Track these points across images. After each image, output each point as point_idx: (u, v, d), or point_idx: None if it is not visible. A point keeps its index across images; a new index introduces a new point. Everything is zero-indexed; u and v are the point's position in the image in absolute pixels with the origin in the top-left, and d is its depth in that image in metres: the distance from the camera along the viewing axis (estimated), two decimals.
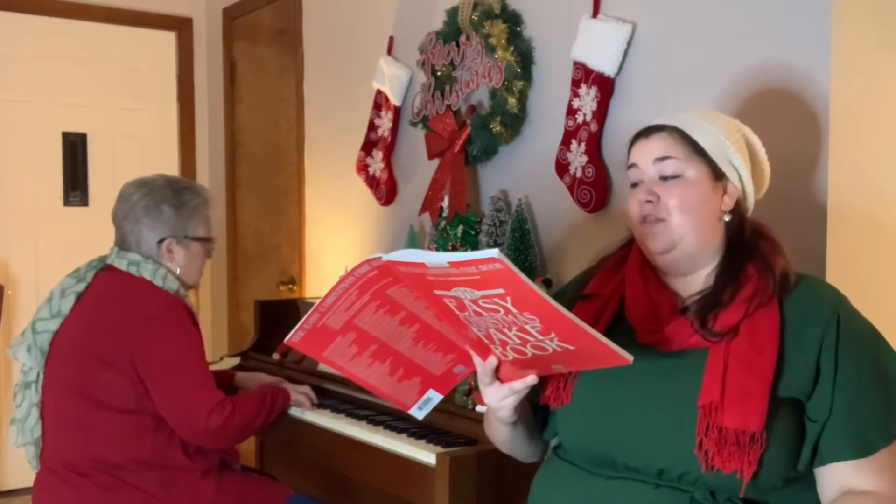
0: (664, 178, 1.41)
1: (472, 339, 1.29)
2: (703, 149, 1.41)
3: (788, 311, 1.34)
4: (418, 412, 1.47)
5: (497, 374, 1.33)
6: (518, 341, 1.22)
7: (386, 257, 1.21)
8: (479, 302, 1.16)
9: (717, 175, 1.42)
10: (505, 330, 1.20)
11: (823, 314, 1.33)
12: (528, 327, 1.17)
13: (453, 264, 1.11)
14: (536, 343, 1.20)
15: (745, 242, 1.42)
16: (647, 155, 1.43)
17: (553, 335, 1.17)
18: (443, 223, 2.69)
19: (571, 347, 1.19)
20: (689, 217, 1.39)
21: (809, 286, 1.38)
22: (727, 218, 1.43)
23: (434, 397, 1.46)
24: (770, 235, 1.44)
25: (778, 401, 1.29)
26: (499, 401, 1.36)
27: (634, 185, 1.46)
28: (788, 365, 1.31)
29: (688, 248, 1.40)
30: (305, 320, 1.31)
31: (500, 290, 1.12)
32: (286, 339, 1.33)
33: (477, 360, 1.33)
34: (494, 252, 1.07)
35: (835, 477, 1.31)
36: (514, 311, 1.14)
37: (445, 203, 2.69)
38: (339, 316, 1.30)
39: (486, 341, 1.26)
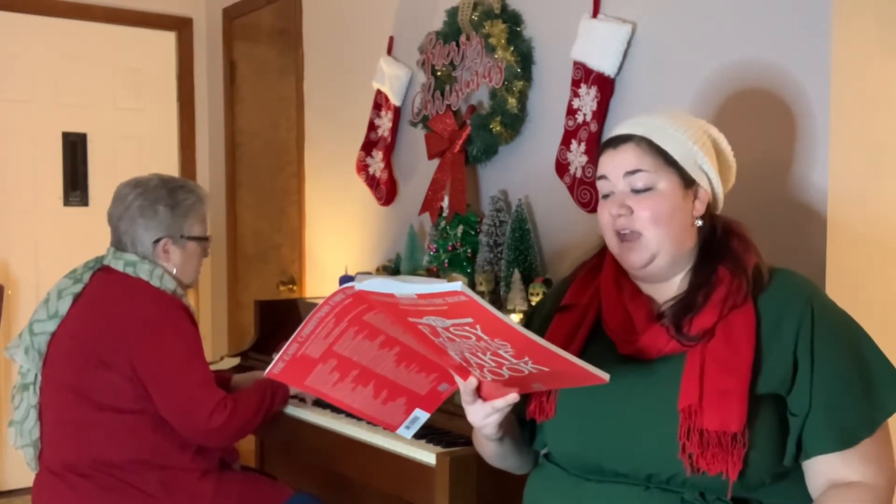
0: (635, 191, 1.41)
1: (450, 362, 1.29)
2: (672, 158, 1.41)
3: (763, 307, 1.34)
4: (406, 431, 1.47)
5: (479, 393, 1.33)
6: (494, 364, 1.22)
7: (358, 286, 1.21)
8: (451, 329, 1.16)
9: (688, 182, 1.42)
10: (480, 354, 1.21)
11: (797, 307, 1.33)
12: (501, 352, 1.18)
13: (420, 296, 1.12)
14: (512, 366, 1.21)
15: (716, 243, 1.42)
16: (617, 168, 1.42)
17: (527, 359, 1.18)
18: (443, 223, 2.69)
19: (546, 369, 1.20)
20: (662, 229, 1.39)
21: (783, 280, 1.39)
22: (699, 223, 1.43)
23: (421, 416, 1.46)
24: (741, 233, 1.44)
25: (758, 398, 1.29)
26: (482, 419, 1.36)
27: (605, 196, 1.45)
28: (766, 361, 1.31)
29: (665, 259, 1.41)
30: (284, 351, 1.30)
31: (469, 320, 1.13)
32: (266, 371, 1.33)
33: (458, 379, 1.33)
34: (458, 286, 1.08)
35: (821, 469, 1.31)
36: (486, 337, 1.15)
37: (445, 203, 2.69)
38: (319, 344, 1.30)
39: (464, 364, 1.27)
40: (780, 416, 1.31)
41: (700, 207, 1.43)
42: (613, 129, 1.49)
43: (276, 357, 1.31)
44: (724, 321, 1.33)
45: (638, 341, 1.37)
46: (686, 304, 1.37)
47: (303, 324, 1.28)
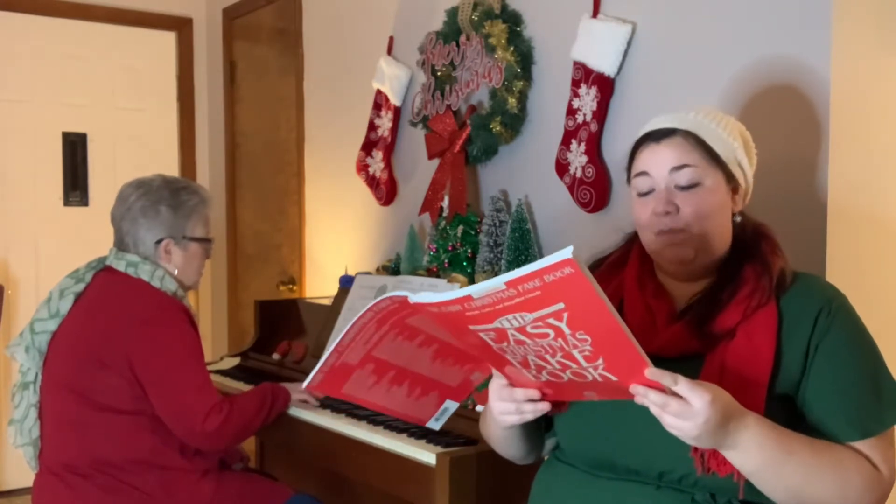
0: (680, 188, 1.37)
1: (497, 361, 1.26)
2: (717, 155, 1.38)
3: (785, 309, 1.33)
4: (435, 424, 1.45)
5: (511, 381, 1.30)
6: (558, 367, 1.18)
7: (414, 299, 1.16)
8: (528, 329, 1.10)
9: (730, 179, 1.40)
10: (548, 356, 1.16)
11: (817, 305, 1.32)
12: (574, 353, 1.13)
13: (510, 283, 1.04)
14: (577, 371, 1.17)
15: (746, 242, 1.41)
16: (662, 163, 1.38)
17: (600, 361, 1.13)
18: (443, 223, 2.69)
19: (613, 378, 1.15)
20: (708, 224, 1.36)
21: (805, 283, 1.37)
22: (738, 219, 1.42)
23: (451, 407, 1.44)
24: (769, 234, 1.43)
25: (774, 398, 1.28)
26: (500, 414, 1.33)
27: (644, 193, 1.40)
28: (784, 361, 1.30)
29: (706, 256, 1.38)
30: (324, 363, 1.28)
31: (560, 306, 1.05)
32: (304, 384, 1.30)
33: (496, 373, 1.31)
34: (569, 251, 0.98)
35: None
36: (567, 331, 1.09)
37: (445, 203, 2.69)
38: (358, 350, 1.28)
39: (520, 367, 1.23)
40: (791, 419, 1.29)
41: (739, 203, 1.42)
42: (649, 124, 1.44)
43: (315, 369, 1.28)
44: (746, 321, 1.31)
45: (659, 340, 1.34)
46: (710, 302, 1.35)
47: (342, 334, 1.25)
